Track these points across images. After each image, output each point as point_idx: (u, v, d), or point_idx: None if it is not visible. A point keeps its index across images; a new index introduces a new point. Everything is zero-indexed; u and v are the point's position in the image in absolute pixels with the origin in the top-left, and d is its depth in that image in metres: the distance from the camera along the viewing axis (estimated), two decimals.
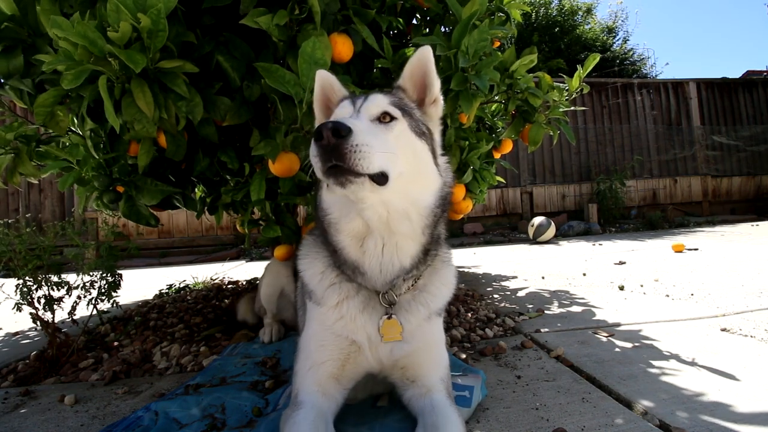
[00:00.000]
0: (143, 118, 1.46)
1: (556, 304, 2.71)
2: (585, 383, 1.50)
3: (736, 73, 25.66)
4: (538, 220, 7.20)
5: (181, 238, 8.27)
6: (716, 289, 2.82)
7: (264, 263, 2.46)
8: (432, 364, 1.23)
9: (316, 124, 1.29)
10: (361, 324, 1.17)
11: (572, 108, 2.43)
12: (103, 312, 2.31)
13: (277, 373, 1.71)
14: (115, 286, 2.18)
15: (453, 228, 8.23)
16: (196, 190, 2.63)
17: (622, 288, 3.04)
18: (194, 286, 3.80)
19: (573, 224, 8.14)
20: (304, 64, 1.43)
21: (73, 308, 2.03)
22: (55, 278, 1.98)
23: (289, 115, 1.61)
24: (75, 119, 1.88)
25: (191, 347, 2.06)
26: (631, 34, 16.55)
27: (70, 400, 1.54)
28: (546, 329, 2.15)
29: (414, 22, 2.23)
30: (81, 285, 2.08)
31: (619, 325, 2.18)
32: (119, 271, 2.24)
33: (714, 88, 10.44)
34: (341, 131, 0.89)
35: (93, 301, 2.12)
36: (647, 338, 1.95)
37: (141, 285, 4.39)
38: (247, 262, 6.54)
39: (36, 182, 7.64)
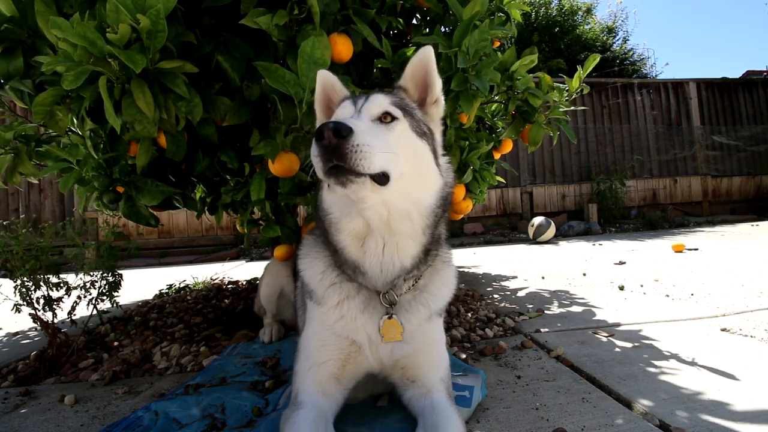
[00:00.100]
0: (143, 118, 1.46)
1: (556, 304, 2.71)
2: (585, 383, 1.50)
3: (736, 73, 25.68)
4: (538, 220, 7.20)
5: (181, 238, 8.27)
6: (716, 289, 2.82)
7: (264, 263, 2.46)
8: (432, 365, 1.23)
9: (318, 124, 1.29)
10: (362, 324, 1.17)
11: (572, 108, 2.43)
12: (103, 312, 2.31)
13: (277, 373, 1.71)
14: (115, 286, 2.19)
15: (453, 228, 8.22)
16: (196, 190, 2.62)
17: (622, 288, 3.04)
18: (194, 286, 3.80)
19: (573, 224, 8.14)
20: (303, 63, 1.43)
21: (73, 308, 2.03)
22: (53, 278, 1.98)
23: (289, 115, 1.61)
24: (75, 119, 1.88)
25: (191, 347, 2.06)
26: (630, 34, 16.54)
27: (70, 400, 1.54)
28: (546, 329, 2.15)
29: (414, 22, 2.23)
30: (81, 285, 2.08)
31: (619, 325, 2.18)
32: (119, 271, 2.24)
33: (714, 88, 10.44)
34: (342, 131, 0.89)
35: (93, 301, 2.12)
36: (647, 338, 1.95)
37: (141, 285, 4.39)
38: (247, 262, 6.54)
39: (36, 182, 7.65)
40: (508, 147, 2.71)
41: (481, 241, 7.66)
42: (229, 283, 3.93)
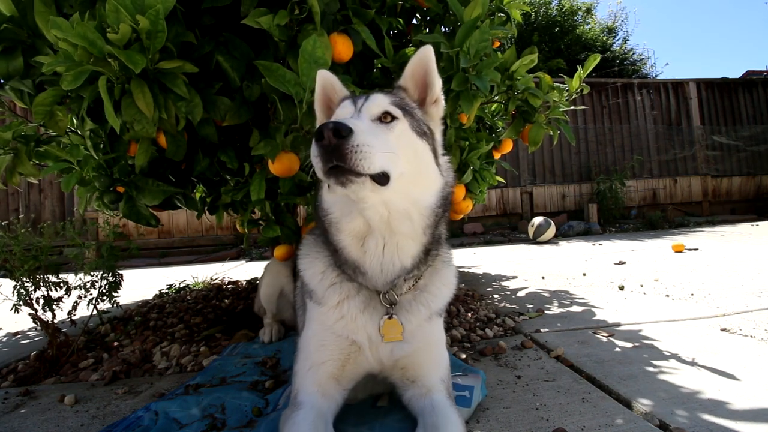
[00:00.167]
0: (143, 118, 1.46)
1: (556, 304, 2.71)
2: (585, 383, 1.50)
3: (736, 73, 25.68)
4: (538, 220, 7.20)
5: (181, 238, 8.27)
6: (716, 289, 2.82)
7: (264, 263, 2.46)
8: (432, 365, 1.23)
9: (317, 123, 1.29)
10: (362, 324, 1.17)
11: (572, 108, 2.43)
12: (103, 312, 2.31)
13: (277, 373, 1.71)
14: (115, 286, 2.19)
15: (453, 228, 8.21)
16: (196, 190, 2.63)
17: (622, 288, 3.04)
18: (194, 286, 3.80)
19: (573, 224, 8.14)
20: (304, 63, 1.43)
21: (73, 308, 2.03)
22: (53, 278, 1.98)
23: (289, 115, 1.61)
24: (75, 119, 1.88)
25: (191, 347, 2.06)
26: (631, 34, 16.55)
27: (70, 400, 1.54)
28: (546, 329, 2.15)
29: (414, 22, 2.23)
30: (81, 285, 2.08)
31: (619, 325, 2.18)
32: (119, 271, 2.24)
33: (714, 88, 10.44)
34: (342, 131, 0.89)
35: (93, 301, 2.12)
36: (647, 338, 1.95)
37: (141, 285, 4.39)
38: (247, 262, 6.54)
39: (36, 182, 7.65)
40: (508, 147, 2.71)
41: (481, 241, 7.66)
42: (229, 283, 3.93)
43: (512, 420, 1.27)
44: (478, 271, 4.36)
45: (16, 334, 2.68)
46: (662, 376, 1.54)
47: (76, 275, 2.10)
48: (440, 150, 1.22)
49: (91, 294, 2.11)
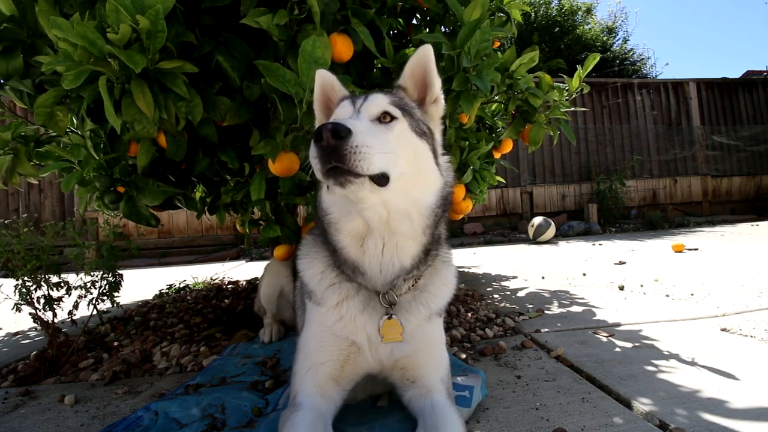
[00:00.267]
0: (143, 118, 1.46)
1: (556, 304, 2.71)
2: (585, 383, 1.50)
3: (736, 73, 25.68)
4: (538, 220, 7.20)
5: (181, 238, 8.27)
6: (716, 289, 2.82)
7: (264, 263, 2.46)
8: (432, 365, 1.23)
9: (317, 124, 1.29)
10: (361, 324, 1.17)
11: (572, 108, 2.43)
12: (103, 312, 2.31)
13: (277, 373, 1.71)
14: (115, 286, 2.19)
15: (453, 228, 8.23)
16: (196, 190, 2.63)
17: (622, 288, 3.04)
18: (194, 286, 3.80)
19: (573, 224, 8.14)
20: (304, 63, 1.43)
21: (74, 308, 2.03)
22: (54, 278, 1.98)
23: (289, 115, 1.61)
24: (75, 119, 1.88)
25: (191, 347, 2.06)
26: (631, 34, 16.56)
27: (70, 400, 1.54)
28: (546, 329, 2.15)
29: (414, 22, 2.23)
30: (81, 285, 2.08)
31: (619, 325, 2.18)
32: (119, 271, 2.24)
33: (714, 88, 10.44)
34: (341, 132, 0.89)
35: (93, 301, 2.12)
36: (647, 338, 1.95)
37: (141, 285, 4.39)
38: (247, 262, 6.54)
39: (36, 182, 7.63)
40: (508, 147, 2.71)
41: (481, 241, 7.66)
42: (229, 283, 3.93)
43: (512, 420, 1.27)
44: (478, 271, 4.36)
45: (16, 334, 2.68)
46: (662, 376, 1.54)
47: (76, 275, 2.10)
48: (440, 150, 1.22)
49: (91, 294, 2.11)
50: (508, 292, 3.16)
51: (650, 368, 1.61)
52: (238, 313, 2.69)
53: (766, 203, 10.20)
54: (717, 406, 1.30)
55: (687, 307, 2.46)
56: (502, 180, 3.06)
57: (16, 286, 1.87)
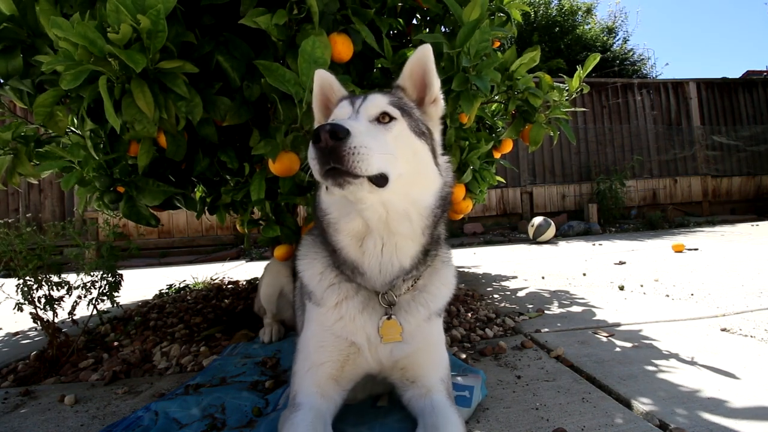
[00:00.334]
0: (143, 118, 1.46)
1: (556, 304, 2.71)
2: (585, 383, 1.50)
3: (736, 73, 25.67)
4: (538, 220, 7.20)
5: (181, 238, 8.27)
6: (716, 289, 2.82)
7: (264, 263, 2.46)
8: (432, 365, 1.23)
9: (316, 124, 1.29)
10: (361, 324, 1.17)
11: (572, 108, 2.43)
12: (103, 312, 2.31)
13: (277, 373, 1.71)
14: (115, 286, 2.19)
15: (453, 228, 8.24)
16: (196, 190, 2.63)
17: (622, 288, 3.04)
18: (194, 286, 3.80)
19: (573, 224, 8.14)
20: (303, 63, 1.43)
21: (74, 308, 2.03)
22: (55, 278, 1.98)
23: (289, 115, 1.61)
24: (75, 119, 1.88)
25: (191, 347, 2.06)
26: (631, 34, 16.57)
27: (70, 400, 1.54)
28: (546, 329, 2.15)
29: (414, 22, 2.23)
30: (81, 285, 2.08)
31: (619, 325, 2.18)
32: (119, 271, 2.24)
33: (714, 88, 10.44)
34: (339, 133, 0.89)
35: (93, 301, 2.12)
36: (647, 338, 1.95)
37: (141, 285, 4.39)
38: (247, 262, 6.54)
39: (36, 182, 7.63)
40: (508, 147, 2.71)
41: (481, 241, 7.66)
42: (229, 283, 3.93)
43: (512, 420, 1.27)
44: (478, 271, 4.36)
45: (16, 334, 2.68)
46: (662, 376, 1.54)
47: (77, 275, 2.10)
48: (439, 150, 1.22)
49: (91, 294, 2.12)
50: (508, 292, 3.16)
51: (650, 368, 1.61)
52: (238, 313, 2.69)
53: (766, 203, 10.20)
54: (717, 405, 1.30)
55: (687, 307, 2.46)
56: (502, 180, 3.06)
57: (17, 286, 1.88)
